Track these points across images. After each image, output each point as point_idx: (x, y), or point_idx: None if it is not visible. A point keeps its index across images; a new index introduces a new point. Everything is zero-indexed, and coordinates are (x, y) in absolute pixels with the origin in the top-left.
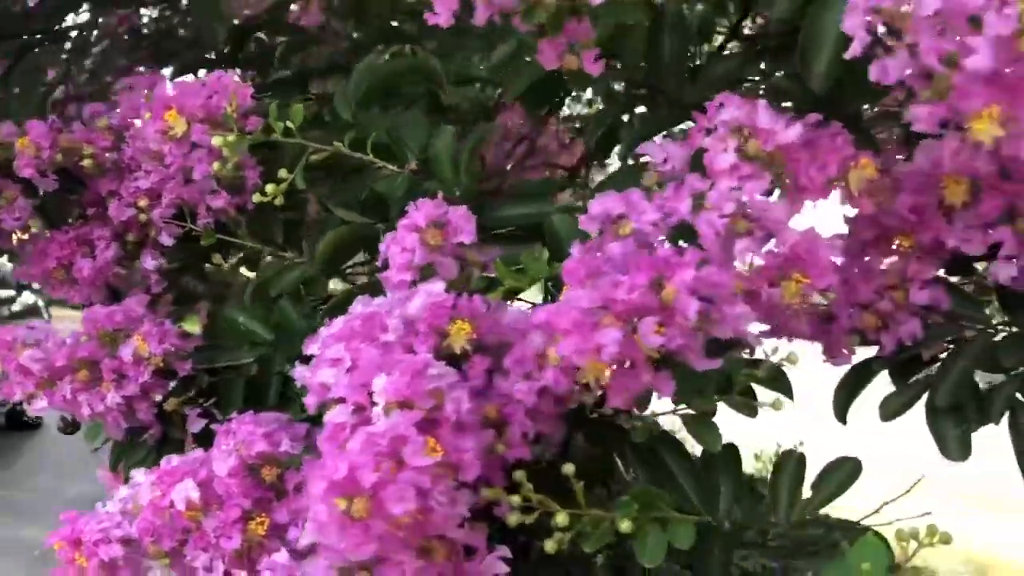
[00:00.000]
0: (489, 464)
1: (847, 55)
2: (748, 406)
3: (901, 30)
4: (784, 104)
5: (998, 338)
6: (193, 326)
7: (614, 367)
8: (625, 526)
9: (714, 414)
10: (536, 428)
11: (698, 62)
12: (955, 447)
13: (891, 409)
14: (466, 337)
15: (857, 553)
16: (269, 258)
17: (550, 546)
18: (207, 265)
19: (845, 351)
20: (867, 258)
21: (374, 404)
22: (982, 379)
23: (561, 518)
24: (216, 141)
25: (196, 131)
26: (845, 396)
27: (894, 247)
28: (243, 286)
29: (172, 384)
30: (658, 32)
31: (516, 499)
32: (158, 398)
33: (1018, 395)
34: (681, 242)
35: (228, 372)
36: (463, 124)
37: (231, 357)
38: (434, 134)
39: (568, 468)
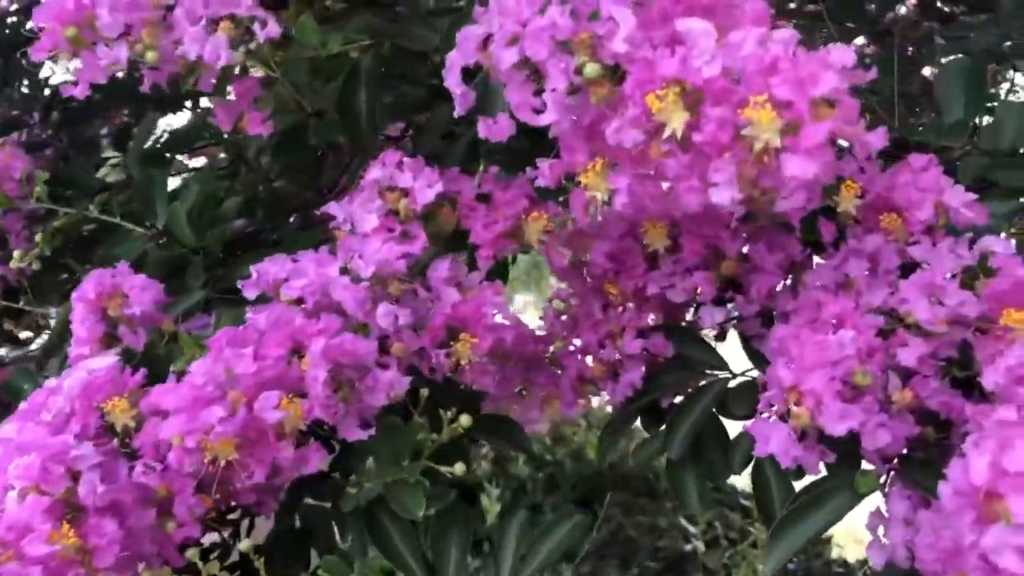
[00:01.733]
0: (164, 543)
1: (455, 114)
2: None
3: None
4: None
5: (734, 384)
6: None
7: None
8: None
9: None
10: (243, 500)
11: None
12: (694, 501)
13: (642, 457)
14: (125, 413)
15: None
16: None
17: None
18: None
19: (579, 401)
20: (588, 307)
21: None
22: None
23: None
24: None
25: None
26: (607, 444)
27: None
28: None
29: None
30: (353, 86)
31: None
32: None
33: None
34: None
35: None
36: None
37: None
38: (180, 195)
39: (244, 544)
